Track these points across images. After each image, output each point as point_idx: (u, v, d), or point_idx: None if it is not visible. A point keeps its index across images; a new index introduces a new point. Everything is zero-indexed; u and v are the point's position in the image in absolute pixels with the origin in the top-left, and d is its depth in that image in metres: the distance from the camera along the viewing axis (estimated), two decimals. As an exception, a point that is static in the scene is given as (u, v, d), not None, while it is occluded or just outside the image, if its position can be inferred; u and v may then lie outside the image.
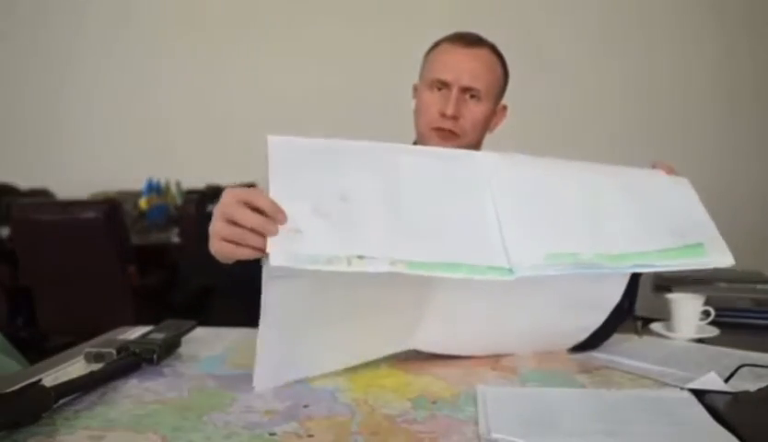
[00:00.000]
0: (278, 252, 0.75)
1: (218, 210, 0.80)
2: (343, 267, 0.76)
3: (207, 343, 1.08)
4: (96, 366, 0.91)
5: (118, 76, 4.39)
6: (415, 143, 1.27)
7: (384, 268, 0.78)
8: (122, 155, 4.34)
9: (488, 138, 1.26)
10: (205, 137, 4.26)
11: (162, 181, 3.75)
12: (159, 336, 1.01)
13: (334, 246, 0.77)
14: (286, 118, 3.68)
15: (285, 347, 0.86)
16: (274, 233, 0.76)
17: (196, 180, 3.86)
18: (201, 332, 1.12)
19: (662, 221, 0.92)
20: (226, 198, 0.80)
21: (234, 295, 1.01)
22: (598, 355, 1.03)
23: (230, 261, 0.81)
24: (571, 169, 0.95)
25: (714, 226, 0.93)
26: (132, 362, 0.94)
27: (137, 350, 0.95)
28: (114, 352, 0.96)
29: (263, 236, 0.76)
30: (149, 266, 2.85)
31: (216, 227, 0.79)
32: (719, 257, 0.90)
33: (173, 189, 3.78)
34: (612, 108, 3.94)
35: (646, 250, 0.89)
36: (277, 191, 0.79)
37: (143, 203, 3.60)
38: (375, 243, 0.79)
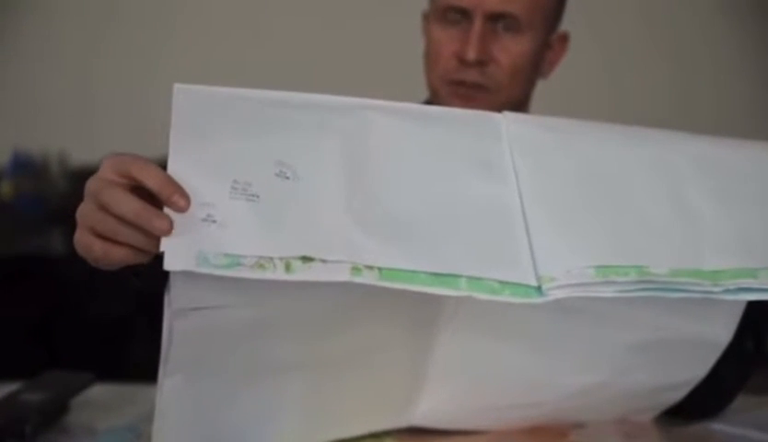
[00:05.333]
0: (177, 252, 0.61)
1: (89, 188, 0.66)
2: (278, 274, 0.63)
3: (111, 407, 0.96)
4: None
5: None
6: (428, 103, 1.07)
7: (342, 276, 0.64)
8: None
9: (540, 87, 1.08)
10: (104, 88, 3.78)
11: (37, 154, 3.33)
12: (35, 398, 0.90)
13: (266, 242, 0.64)
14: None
15: (199, 409, 0.75)
16: (164, 228, 0.61)
17: (91, 151, 3.33)
18: (101, 391, 0.99)
19: None
20: (101, 170, 0.66)
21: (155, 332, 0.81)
22: (715, 427, 0.93)
23: (106, 266, 0.66)
24: (637, 141, 0.80)
25: None
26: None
27: (-2, 420, 0.83)
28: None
29: (149, 232, 0.63)
30: (17, 289, 2.53)
31: (83, 213, 0.65)
32: None
33: (54, 166, 3.39)
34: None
35: (755, 266, 0.74)
36: (180, 162, 0.65)
37: (6, 188, 3.16)
38: (328, 239, 0.65)
